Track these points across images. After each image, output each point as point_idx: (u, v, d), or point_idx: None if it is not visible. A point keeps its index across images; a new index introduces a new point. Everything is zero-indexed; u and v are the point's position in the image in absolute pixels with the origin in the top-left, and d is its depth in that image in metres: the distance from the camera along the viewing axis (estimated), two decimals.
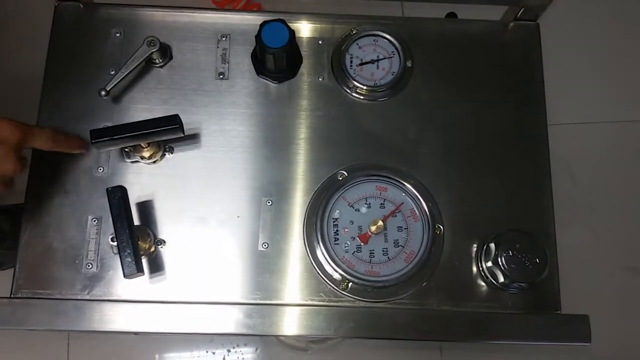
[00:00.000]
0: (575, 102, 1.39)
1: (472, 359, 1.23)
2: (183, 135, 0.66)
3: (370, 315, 0.65)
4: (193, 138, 0.72)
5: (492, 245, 0.67)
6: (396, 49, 0.76)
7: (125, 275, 0.61)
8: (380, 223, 0.68)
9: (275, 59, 0.70)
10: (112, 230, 0.67)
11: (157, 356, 1.17)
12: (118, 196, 0.62)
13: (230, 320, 0.62)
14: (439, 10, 0.81)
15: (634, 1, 1.51)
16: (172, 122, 0.64)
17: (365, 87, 0.74)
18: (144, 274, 0.62)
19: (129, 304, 0.63)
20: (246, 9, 1.36)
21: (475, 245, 0.70)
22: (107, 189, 0.62)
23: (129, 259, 0.61)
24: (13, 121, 0.60)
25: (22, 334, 1.15)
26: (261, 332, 0.62)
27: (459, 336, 0.66)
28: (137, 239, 0.62)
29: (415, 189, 0.70)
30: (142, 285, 0.67)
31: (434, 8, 0.78)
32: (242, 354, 1.16)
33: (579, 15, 1.46)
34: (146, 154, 0.69)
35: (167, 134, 0.65)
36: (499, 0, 0.76)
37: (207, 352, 1.17)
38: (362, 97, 0.75)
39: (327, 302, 0.67)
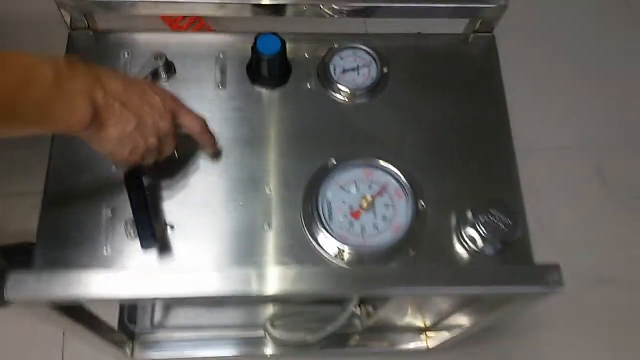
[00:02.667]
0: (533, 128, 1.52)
1: None
2: None
3: (367, 274, 0.71)
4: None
5: (470, 214, 0.76)
6: (373, 58, 0.87)
7: (143, 246, 0.67)
8: (370, 198, 0.76)
9: (270, 65, 0.81)
10: (125, 218, 0.74)
11: None
12: (135, 176, 0.70)
13: (234, 283, 0.67)
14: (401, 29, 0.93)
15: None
16: None
17: (348, 91, 0.84)
18: (157, 244, 0.69)
19: (143, 271, 0.68)
20: (196, 29, 1.51)
21: (455, 218, 0.78)
22: (125, 173, 0.70)
23: (147, 232, 0.67)
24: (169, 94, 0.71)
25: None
26: (264, 293, 0.67)
27: (444, 283, 0.71)
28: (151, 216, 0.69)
29: (399, 171, 0.78)
30: (152, 265, 0.73)
31: (397, 25, 0.89)
32: None
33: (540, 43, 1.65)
34: None
35: None
36: (459, 14, 0.88)
37: None
38: (347, 100, 0.85)
39: None
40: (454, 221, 0.78)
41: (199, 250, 0.74)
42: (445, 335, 1.11)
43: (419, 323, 1.21)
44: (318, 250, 0.75)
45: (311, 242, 0.75)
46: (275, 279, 0.67)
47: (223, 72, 0.85)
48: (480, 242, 0.75)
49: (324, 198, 0.77)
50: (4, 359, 1.23)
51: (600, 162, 1.56)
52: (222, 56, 0.86)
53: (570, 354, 1.32)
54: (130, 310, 1.12)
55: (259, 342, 1.18)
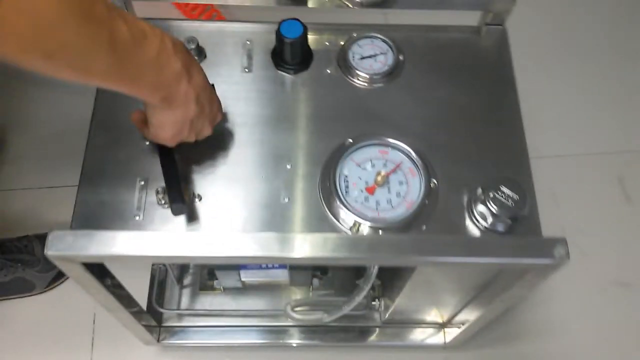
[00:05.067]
0: (556, 135, 1.55)
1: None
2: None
3: (382, 240, 0.74)
4: (225, 118, 0.85)
5: (480, 191, 0.79)
6: (389, 46, 0.92)
7: (173, 211, 0.72)
8: (384, 173, 0.80)
9: (292, 48, 0.86)
10: (156, 187, 0.79)
11: None
12: (168, 147, 0.75)
13: (255, 247, 0.70)
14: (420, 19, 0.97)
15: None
16: None
17: (367, 76, 0.89)
18: (187, 210, 0.74)
19: (170, 233, 0.72)
20: (208, 18, 1.63)
21: (466, 196, 0.82)
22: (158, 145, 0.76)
23: (178, 198, 0.72)
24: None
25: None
26: (285, 256, 0.70)
27: (454, 252, 0.72)
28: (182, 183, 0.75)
29: (412, 150, 0.82)
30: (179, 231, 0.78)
31: (416, 15, 0.94)
32: None
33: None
34: None
35: None
36: (473, 7, 0.93)
37: None
38: (364, 84, 0.90)
39: None
40: (465, 199, 0.82)
41: (223, 219, 0.79)
42: (460, 329, 1.14)
43: (437, 318, 1.23)
44: (334, 222, 0.79)
45: (328, 215, 0.80)
46: (296, 244, 0.70)
47: (249, 57, 0.91)
48: (490, 218, 0.78)
49: (341, 173, 0.81)
50: (37, 344, 1.28)
51: (621, 169, 1.57)
52: (248, 43, 0.92)
53: (586, 356, 1.32)
54: (157, 293, 1.17)
55: (283, 331, 1.22)
